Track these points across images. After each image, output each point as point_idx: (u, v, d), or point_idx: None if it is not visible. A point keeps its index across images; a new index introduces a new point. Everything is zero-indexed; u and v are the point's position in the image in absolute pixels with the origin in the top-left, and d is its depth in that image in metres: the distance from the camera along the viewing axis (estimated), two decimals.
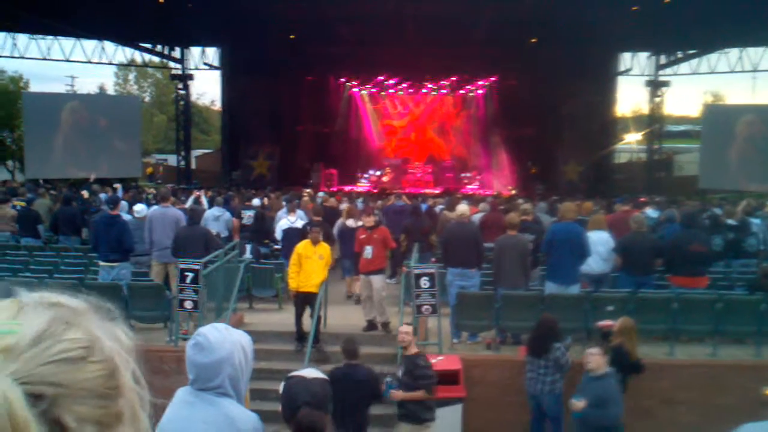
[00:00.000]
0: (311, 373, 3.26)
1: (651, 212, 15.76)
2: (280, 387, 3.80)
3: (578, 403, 6.78)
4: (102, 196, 19.29)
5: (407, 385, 7.27)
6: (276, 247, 14.23)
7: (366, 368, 7.35)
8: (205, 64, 36.85)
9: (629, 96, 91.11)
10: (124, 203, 15.06)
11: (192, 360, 2.78)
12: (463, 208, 11.47)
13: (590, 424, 6.72)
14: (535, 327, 8.10)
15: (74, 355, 0.89)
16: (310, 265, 10.27)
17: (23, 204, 16.35)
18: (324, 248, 10.56)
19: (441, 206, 16.77)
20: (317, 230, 10.69)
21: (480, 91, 37.26)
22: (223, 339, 2.79)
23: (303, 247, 10.43)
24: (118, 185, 21.19)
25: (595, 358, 6.83)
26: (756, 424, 2.61)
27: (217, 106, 50.77)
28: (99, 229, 11.03)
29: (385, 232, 11.27)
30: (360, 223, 12.36)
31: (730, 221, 13.20)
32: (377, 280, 10.83)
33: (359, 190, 31.91)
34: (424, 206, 16.69)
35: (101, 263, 10.88)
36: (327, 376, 3.88)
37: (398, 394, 7.26)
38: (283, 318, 11.37)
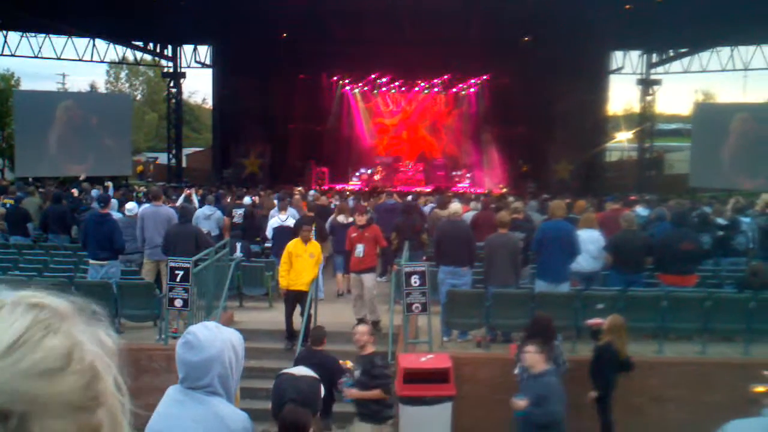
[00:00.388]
0: (301, 371, 3.26)
1: (641, 210, 15.81)
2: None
3: (519, 402, 6.75)
4: (93, 193, 19.26)
5: (364, 384, 7.23)
6: (267, 245, 14.21)
7: (328, 357, 7.63)
8: (197, 62, 36.79)
9: (621, 94, 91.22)
10: (114, 201, 15.03)
11: (182, 358, 2.77)
12: (455, 206, 11.48)
13: (532, 423, 6.68)
14: (529, 326, 7.89)
15: (51, 365, 0.83)
16: (300, 263, 10.28)
17: (12, 202, 16.28)
18: (315, 246, 10.57)
19: (432, 204, 16.79)
20: (308, 228, 10.70)
21: (472, 90, 37.29)
22: (213, 338, 2.77)
23: (294, 245, 10.45)
24: (109, 184, 21.13)
25: (531, 356, 6.80)
26: (743, 421, 2.63)
27: (209, 104, 50.67)
28: (89, 227, 10.99)
29: (377, 231, 11.29)
30: (350, 220, 12.40)
31: (721, 220, 13.25)
32: (368, 279, 10.85)
33: (350, 188, 31.92)
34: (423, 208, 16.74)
35: (90, 261, 10.85)
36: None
37: (353, 392, 7.22)
38: (273, 316, 11.37)
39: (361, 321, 10.70)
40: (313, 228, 11.47)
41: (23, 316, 0.85)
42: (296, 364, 7.01)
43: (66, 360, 0.85)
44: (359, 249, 10.96)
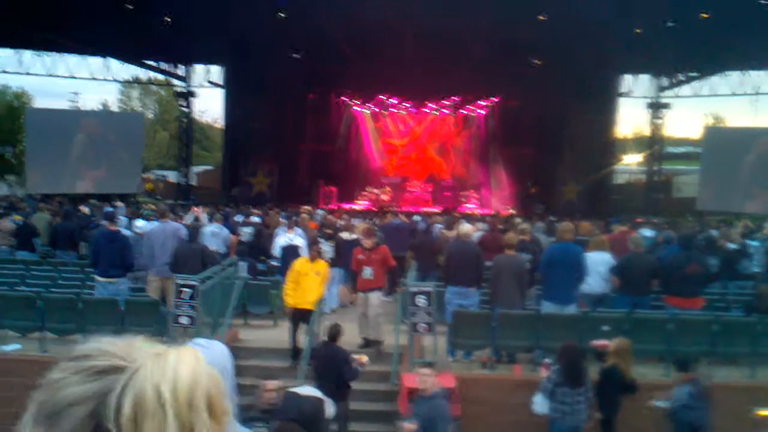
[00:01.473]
0: (306, 391, 3.29)
1: (646, 232, 15.78)
2: None
3: (409, 426, 6.69)
4: (105, 210, 19.37)
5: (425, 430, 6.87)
6: (273, 263, 14.24)
7: (339, 350, 8.53)
8: (209, 82, 37.07)
9: (630, 117, 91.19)
10: (124, 219, 15.11)
11: None
12: (466, 227, 11.48)
13: None
14: (561, 356, 7.67)
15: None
16: (307, 282, 10.29)
17: (21, 218, 16.40)
18: (321, 265, 10.59)
19: (439, 225, 16.81)
20: (316, 248, 10.72)
21: (481, 111, 37.37)
22: (211, 343, 2.88)
23: (301, 264, 10.47)
24: (119, 203, 21.25)
25: (428, 379, 6.76)
26: None
27: (220, 123, 50.95)
28: (100, 244, 11.01)
29: (385, 252, 11.21)
30: (354, 236, 12.46)
31: (732, 245, 13.22)
32: (374, 298, 10.84)
33: (358, 207, 31.95)
34: (422, 224, 16.74)
35: (98, 278, 10.86)
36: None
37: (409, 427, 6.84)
38: (278, 334, 11.36)
39: (366, 340, 10.70)
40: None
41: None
42: (313, 356, 8.71)
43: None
44: (367, 272, 10.93)
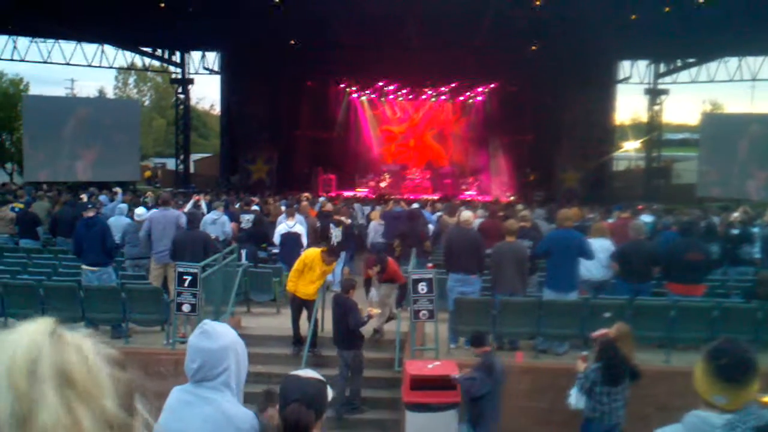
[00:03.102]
0: (308, 373, 3.29)
1: (646, 218, 15.77)
2: None
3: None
4: (102, 198, 19.34)
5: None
6: (274, 251, 14.24)
7: (348, 300, 9.50)
8: (205, 68, 36.93)
9: (628, 104, 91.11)
10: (123, 206, 15.09)
11: (199, 347, 2.85)
12: (467, 214, 11.46)
13: None
14: (600, 353, 7.29)
15: (116, 357, 0.98)
16: (312, 275, 10.21)
17: (21, 206, 16.37)
18: (330, 268, 10.56)
19: (439, 212, 16.80)
20: (331, 257, 10.46)
21: (480, 98, 37.32)
22: (227, 329, 2.95)
23: (312, 258, 10.22)
24: (117, 189, 21.19)
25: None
26: (663, 429, 2.69)
27: (217, 110, 50.81)
28: (80, 233, 10.83)
29: (393, 271, 10.81)
30: (348, 221, 12.73)
31: (734, 231, 13.23)
32: (385, 287, 10.85)
33: (357, 194, 31.93)
34: (428, 215, 16.70)
35: (83, 267, 10.75)
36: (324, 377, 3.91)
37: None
38: (280, 322, 11.38)
39: (375, 330, 10.66)
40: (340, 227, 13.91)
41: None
42: (334, 307, 9.63)
43: (123, 361, 1.00)
44: (373, 292, 11.11)
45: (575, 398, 7.24)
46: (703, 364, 2.62)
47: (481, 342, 7.94)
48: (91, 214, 11.06)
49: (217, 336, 2.85)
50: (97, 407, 0.92)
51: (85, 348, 0.95)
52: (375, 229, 15.35)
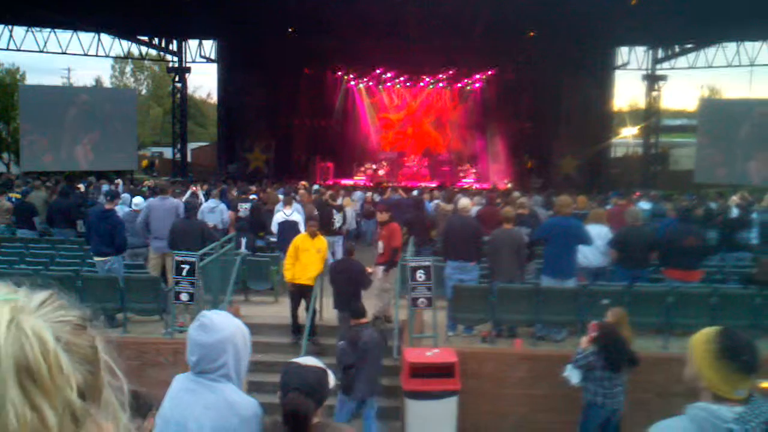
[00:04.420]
0: (308, 361, 3.29)
1: (643, 204, 15.78)
2: None
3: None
4: (104, 188, 19.30)
5: None
6: (272, 239, 14.23)
7: (356, 262, 10.12)
8: (202, 57, 36.78)
9: (626, 90, 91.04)
10: (126, 196, 15.07)
11: (196, 340, 2.84)
12: (464, 201, 11.46)
13: None
14: (600, 339, 7.28)
15: (74, 320, 0.95)
16: (307, 257, 10.28)
17: (18, 196, 16.34)
18: (321, 241, 10.58)
19: (437, 200, 16.79)
20: (314, 224, 10.72)
21: (477, 85, 37.24)
22: (226, 321, 2.92)
23: (301, 239, 10.47)
24: (118, 181, 21.16)
25: None
26: (665, 422, 2.66)
27: (214, 99, 50.68)
28: (92, 222, 10.98)
29: (394, 231, 11.21)
30: (339, 201, 13.30)
31: (732, 215, 13.24)
32: (379, 271, 10.93)
33: (355, 183, 31.92)
34: (426, 203, 16.72)
35: (93, 256, 10.85)
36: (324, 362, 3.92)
37: None
38: (279, 310, 11.39)
39: (375, 316, 10.71)
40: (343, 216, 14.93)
41: (39, 291, 0.99)
42: (336, 272, 10.01)
43: (83, 322, 0.98)
44: (380, 245, 11.16)
45: (569, 372, 7.29)
46: (717, 362, 2.57)
47: (357, 314, 8.30)
48: (109, 206, 11.12)
49: (214, 329, 2.83)
50: (62, 400, 0.88)
51: (45, 336, 0.89)
52: (351, 215, 16.86)
